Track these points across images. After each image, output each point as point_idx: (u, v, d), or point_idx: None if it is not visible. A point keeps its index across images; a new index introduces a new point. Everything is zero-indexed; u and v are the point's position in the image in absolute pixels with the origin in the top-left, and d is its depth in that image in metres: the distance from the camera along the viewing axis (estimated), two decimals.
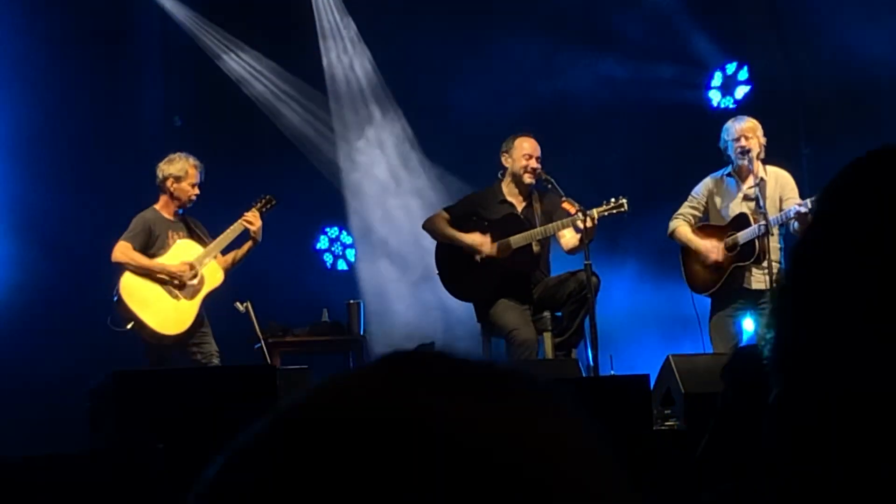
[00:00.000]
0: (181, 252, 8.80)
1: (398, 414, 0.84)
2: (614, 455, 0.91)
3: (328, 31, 12.06)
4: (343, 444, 0.83)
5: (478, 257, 8.92)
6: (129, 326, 8.58)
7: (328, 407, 0.86)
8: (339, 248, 12.17)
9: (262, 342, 9.02)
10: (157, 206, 8.87)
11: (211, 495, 0.86)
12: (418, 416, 0.84)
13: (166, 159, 8.86)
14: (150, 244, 8.73)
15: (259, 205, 9.06)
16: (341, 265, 12.13)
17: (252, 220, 8.91)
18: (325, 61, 12.06)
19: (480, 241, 8.92)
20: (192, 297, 8.76)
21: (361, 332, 9.99)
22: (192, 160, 8.84)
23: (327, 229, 12.12)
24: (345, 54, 12.06)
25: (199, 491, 0.87)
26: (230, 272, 8.93)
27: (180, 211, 8.89)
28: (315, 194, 11.84)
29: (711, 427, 5.64)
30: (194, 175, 8.81)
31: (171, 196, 8.82)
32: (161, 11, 11.58)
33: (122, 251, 8.65)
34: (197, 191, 8.83)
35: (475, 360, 0.92)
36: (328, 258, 12.14)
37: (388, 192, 12.00)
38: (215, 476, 0.87)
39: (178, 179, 8.79)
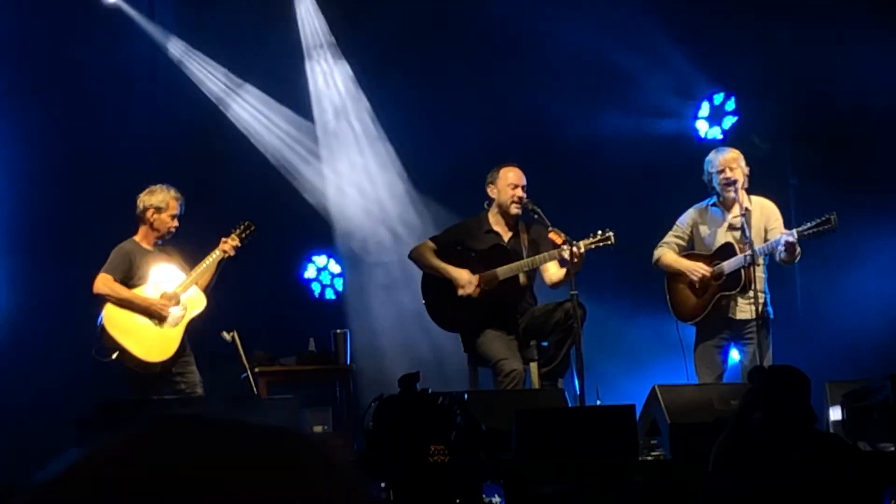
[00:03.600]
0: (161, 279, 8.79)
1: (177, 482, 0.86)
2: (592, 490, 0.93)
3: (315, 59, 12.08)
4: None
5: (460, 292, 8.91)
6: (113, 357, 8.56)
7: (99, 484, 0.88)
8: (328, 277, 12.15)
9: (249, 372, 9.00)
10: (136, 238, 8.89)
11: None
12: (195, 482, 0.86)
13: (147, 190, 8.88)
14: (131, 275, 8.73)
15: (238, 231, 9.08)
16: (329, 294, 12.11)
17: (228, 249, 8.91)
18: (311, 89, 12.07)
19: (465, 280, 8.90)
20: (175, 324, 8.75)
21: (348, 362, 9.98)
22: (173, 192, 8.85)
23: (314, 258, 12.11)
24: (332, 82, 12.08)
25: None
26: (212, 299, 8.92)
27: (159, 242, 8.88)
28: (302, 223, 11.83)
29: (734, 419, 5.66)
30: (175, 207, 8.83)
31: (151, 227, 8.83)
32: (150, 41, 11.60)
33: (104, 283, 8.66)
34: (176, 223, 8.85)
35: (228, 420, 0.94)
36: (316, 287, 12.12)
37: (375, 220, 12.00)
38: None
39: (158, 210, 8.81)
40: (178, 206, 8.84)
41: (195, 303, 8.86)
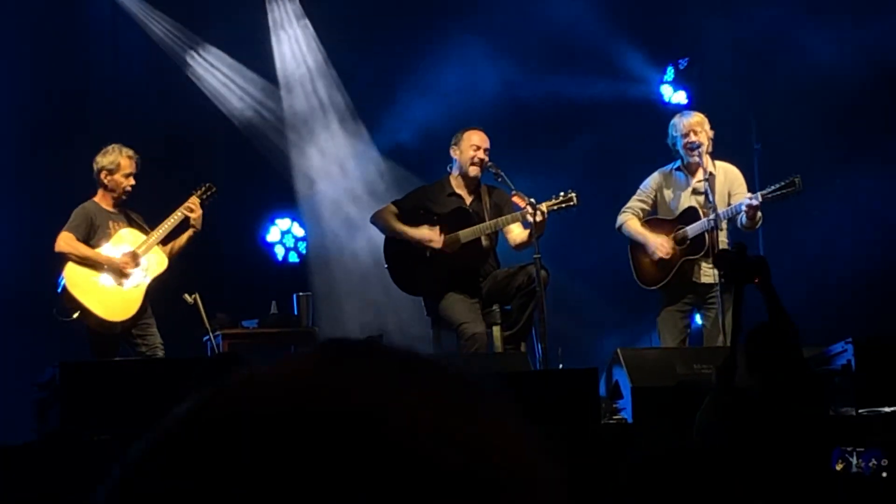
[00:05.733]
0: (123, 241, 8.76)
1: (338, 406, 0.82)
2: (554, 452, 0.89)
3: (279, 20, 12.01)
4: (280, 439, 0.79)
5: (427, 252, 8.89)
6: (74, 316, 8.53)
7: (259, 398, 0.83)
8: (291, 240, 12.11)
9: (211, 334, 8.98)
10: (96, 199, 8.84)
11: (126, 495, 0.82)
12: (359, 409, 0.82)
13: (101, 151, 8.83)
14: (92, 234, 8.69)
15: (199, 192, 9.04)
16: (293, 257, 12.08)
17: (192, 207, 8.89)
18: (275, 51, 12.01)
19: (429, 235, 8.90)
20: (136, 284, 8.72)
21: (311, 325, 9.95)
22: (125, 151, 8.79)
23: (277, 221, 12.07)
24: (297, 44, 12.01)
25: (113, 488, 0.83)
26: (174, 262, 8.89)
27: (119, 203, 8.83)
28: (266, 186, 11.80)
29: (717, 384, 5.67)
30: (128, 166, 8.77)
31: (106, 188, 8.78)
32: (112, 3, 11.50)
33: (66, 241, 8.61)
34: (132, 181, 8.78)
35: (407, 350, 0.89)
36: (279, 250, 12.08)
37: (337, 184, 11.97)
38: (128, 475, 0.83)
39: (111, 172, 8.76)
40: (132, 164, 8.78)
41: (156, 264, 8.82)
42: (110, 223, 8.77)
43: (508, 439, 0.86)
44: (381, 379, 0.84)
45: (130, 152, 8.79)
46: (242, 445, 0.80)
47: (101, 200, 8.83)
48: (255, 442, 0.80)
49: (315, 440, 0.79)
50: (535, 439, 0.88)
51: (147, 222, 8.93)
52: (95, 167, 8.78)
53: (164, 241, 8.90)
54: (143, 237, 8.82)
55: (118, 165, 8.74)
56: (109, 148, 8.80)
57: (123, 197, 8.82)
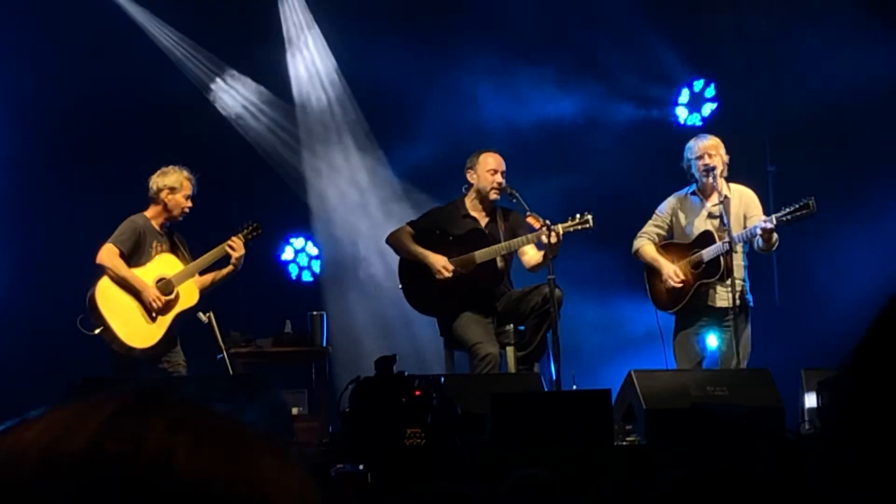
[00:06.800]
0: (161, 266, 8.71)
1: (132, 452, 0.86)
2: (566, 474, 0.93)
3: (295, 41, 12.03)
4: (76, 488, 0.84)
5: (437, 277, 8.89)
6: (97, 331, 8.50)
7: (46, 446, 0.87)
8: (305, 259, 12.13)
9: (224, 352, 8.97)
10: (147, 214, 8.80)
11: None
12: (152, 455, 0.86)
13: (159, 172, 8.77)
14: (135, 250, 8.64)
15: (245, 231, 8.99)
16: (306, 276, 12.09)
17: (235, 246, 8.84)
18: (291, 70, 12.03)
19: (440, 265, 8.88)
20: (164, 313, 8.67)
21: (325, 344, 9.96)
22: (185, 172, 8.77)
23: (292, 240, 12.08)
24: (312, 64, 12.03)
25: None
26: (204, 293, 8.87)
27: (167, 224, 8.82)
28: (280, 205, 11.80)
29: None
30: (188, 187, 8.75)
31: (165, 207, 8.74)
32: (129, 20, 11.52)
33: (109, 256, 8.56)
34: (190, 203, 8.77)
35: (190, 400, 0.93)
36: (293, 269, 12.10)
37: (352, 203, 11.98)
38: None
39: (172, 191, 8.72)
40: (192, 186, 8.77)
41: (188, 296, 8.77)
42: (155, 244, 8.73)
43: (287, 476, 0.90)
44: (172, 426, 0.88)
45: (189, 174, 8.78)
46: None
47: (153, 218, 8.79)
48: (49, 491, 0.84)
49: (111, 488, 0.84)
50: (304, 474, 0.92)
51: (186, 250, 8.91)
52: (154, 186, 8.73)
53: (201, 272, 8.87)
54: (181, 266, 8.77)
55: (181, 185, 8.73)
56: (168, 168, 8.77)
57: (179, 219, 8.81)
